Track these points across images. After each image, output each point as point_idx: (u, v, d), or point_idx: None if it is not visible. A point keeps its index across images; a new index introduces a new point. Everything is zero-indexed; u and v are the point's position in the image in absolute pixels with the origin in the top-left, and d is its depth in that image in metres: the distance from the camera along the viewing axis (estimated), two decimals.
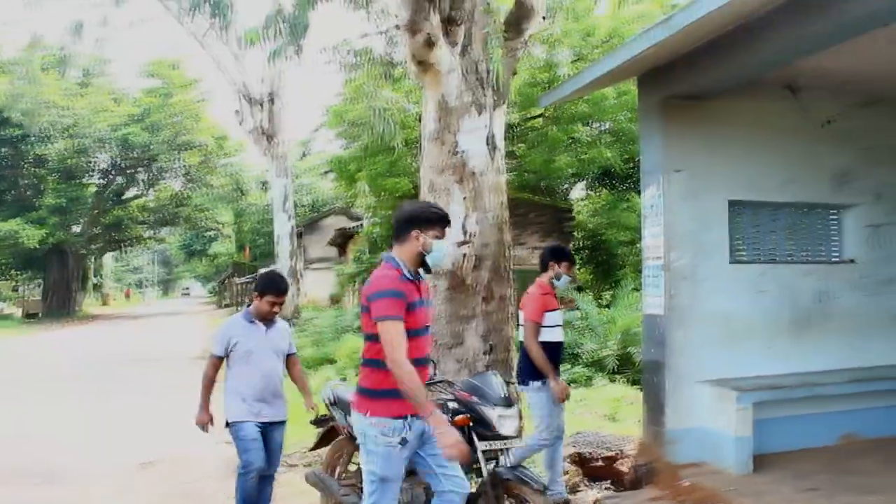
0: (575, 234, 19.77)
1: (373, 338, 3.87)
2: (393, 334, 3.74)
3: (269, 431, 5.47)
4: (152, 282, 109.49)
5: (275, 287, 5.43)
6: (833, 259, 7.25)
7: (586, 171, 19.08)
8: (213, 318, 34.03)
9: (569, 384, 11.47)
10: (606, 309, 14.56)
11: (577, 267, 20.04)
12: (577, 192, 22.56)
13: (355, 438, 4.34)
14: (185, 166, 45.47)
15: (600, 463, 6.98)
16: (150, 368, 17.03)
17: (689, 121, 6.60)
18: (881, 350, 6.94)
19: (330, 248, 30.91)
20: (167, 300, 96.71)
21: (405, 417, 3.89)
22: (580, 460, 6.97)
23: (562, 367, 12.09)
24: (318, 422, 5.87)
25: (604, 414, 9.59)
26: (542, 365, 5.87)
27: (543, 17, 7.58)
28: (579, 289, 17.34)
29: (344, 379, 11.90)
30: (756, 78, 6.42)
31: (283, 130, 24.81)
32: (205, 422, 5.48)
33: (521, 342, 6.10)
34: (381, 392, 3.88)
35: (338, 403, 5.47)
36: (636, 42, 5.81)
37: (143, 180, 47.95)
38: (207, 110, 44.04)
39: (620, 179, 19.55)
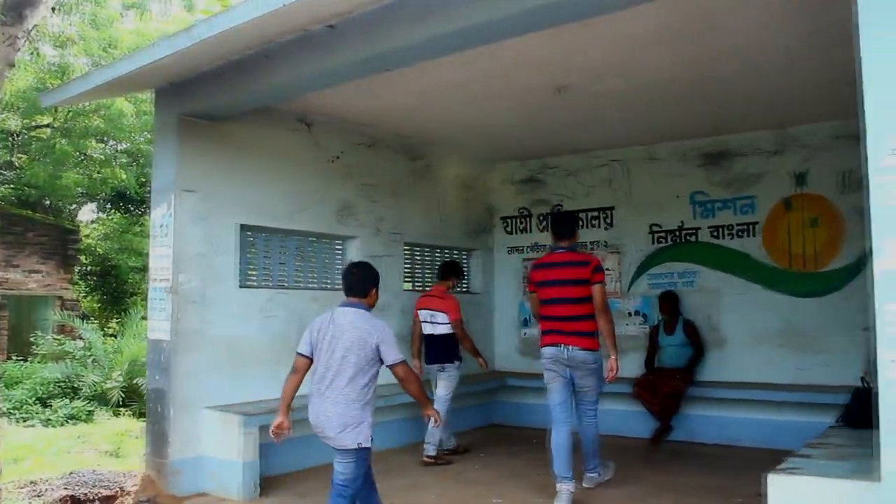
0: (82, 258, 18.26)
1: (589, 299, 5.56)
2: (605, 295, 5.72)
3: None
4: None
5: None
6: (336, 287, 7.68)
7: (98, 192, 17.74)
8: None
9: (67, 421, 10.56)
10: (113, 338, 13.62)
11: (84, 295, 18.56)
12: (87, 213, 20.88)
13: None
14: None
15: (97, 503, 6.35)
16: None
17: (206, 141, 6.48)
18: None
19: None
20: None
21: None
22: (74, 503, 6.25)
23: (59, 403, 11.13)
24: None
25: (106, 450, 8.83)
26: (471, 349, 7.36)
27: (53, 9, 6.83)
28: (83, 317, 15.99)
29: None
30: (271, 105, 6.59)
31: None
32: None
33: (430, 334, 7.24)
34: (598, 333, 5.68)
35: None
36: (156, 48, 5.45)
37: None
38: None
39: (135, 203, 18.56)
